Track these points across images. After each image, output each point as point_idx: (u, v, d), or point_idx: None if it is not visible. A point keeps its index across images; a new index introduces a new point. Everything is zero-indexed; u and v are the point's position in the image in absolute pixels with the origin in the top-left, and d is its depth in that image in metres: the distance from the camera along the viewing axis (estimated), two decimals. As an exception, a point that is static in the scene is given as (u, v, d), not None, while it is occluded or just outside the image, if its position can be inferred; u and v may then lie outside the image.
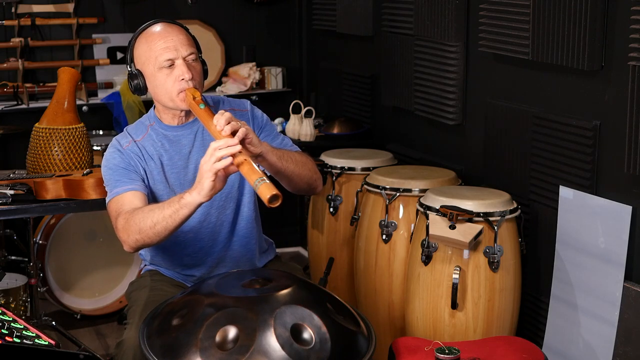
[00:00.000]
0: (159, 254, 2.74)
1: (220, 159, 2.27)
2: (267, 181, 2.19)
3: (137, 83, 2.60)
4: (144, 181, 2.60)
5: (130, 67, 2.62)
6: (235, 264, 2.72)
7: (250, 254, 2.76)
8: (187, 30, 2.63)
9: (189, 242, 2.67)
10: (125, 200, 2.52)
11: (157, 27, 2.59)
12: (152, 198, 2.62)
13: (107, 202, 2.59)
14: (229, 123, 2.34)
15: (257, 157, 2.40)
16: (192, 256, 2.70)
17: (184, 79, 2.53)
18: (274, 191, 2.15)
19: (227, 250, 2.71)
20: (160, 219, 2.38)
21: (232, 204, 2.69)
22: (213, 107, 2.67)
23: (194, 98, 2.50)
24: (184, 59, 2.55)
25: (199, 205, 2.35)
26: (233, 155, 2.27)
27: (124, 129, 2.72)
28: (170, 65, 2.54)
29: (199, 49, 2.63)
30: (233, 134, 2.33)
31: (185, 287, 2.68)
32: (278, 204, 2.17)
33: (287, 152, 2.58)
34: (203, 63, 2.65)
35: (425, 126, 3.98)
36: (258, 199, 2.65)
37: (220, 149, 2.27)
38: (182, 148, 2.65)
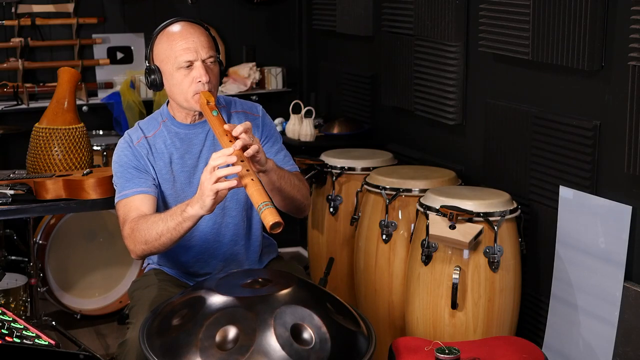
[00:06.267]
0: (163, 256, 2.74)
1: (219, 179, 2.26)
2: (272, 206, 2.18)
3: (154, 79, 2.58)
4: (154, 180, 2.60)
5: (148, 62, 2.61)
6: (239, 266, 2.72)
7: (254, 255, 2.76)
8: (208, 30, 2.61)
9: (194, 246, 2.67)
10: (132, 205, 2.53)
11: (180, 27, 2.57)
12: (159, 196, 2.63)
13: (115, 201, 2.61)
14: (242, 134, 2.33)
15: (259, 172, 2.39)
16: (197, 258, 2.70)
17: (201, 81, 2.52)
18: (277, 218, 2.15)
19: (232, 252, 2.71)
20: (165, 230, 2.40)
21: (238, 206, 2.68)
22: (224, 108, 2.67)
23: (208, 103, 2.49)
24: (203, 61, 2.53)
25: (201, 217, 2.37)
26: (241, 176, 2.26)
27: (136, 123, 2.70)
28: (189, 66, 2.53)
29: (217, 50, 2.61)
30: (244, 148, 2.31)
31: (189, 286, 2.68)
32: (279, 231, 2.17)
33: (288, 173, 2.58)
34: (220, 64, 2.63)
35: (425, 126, 3.98)
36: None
37: (221, 167, 2.26)
38: (193, 147, 2.64)
